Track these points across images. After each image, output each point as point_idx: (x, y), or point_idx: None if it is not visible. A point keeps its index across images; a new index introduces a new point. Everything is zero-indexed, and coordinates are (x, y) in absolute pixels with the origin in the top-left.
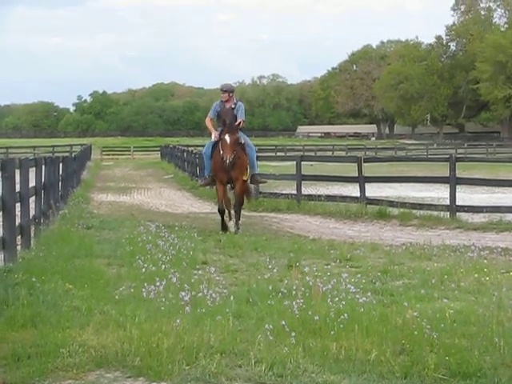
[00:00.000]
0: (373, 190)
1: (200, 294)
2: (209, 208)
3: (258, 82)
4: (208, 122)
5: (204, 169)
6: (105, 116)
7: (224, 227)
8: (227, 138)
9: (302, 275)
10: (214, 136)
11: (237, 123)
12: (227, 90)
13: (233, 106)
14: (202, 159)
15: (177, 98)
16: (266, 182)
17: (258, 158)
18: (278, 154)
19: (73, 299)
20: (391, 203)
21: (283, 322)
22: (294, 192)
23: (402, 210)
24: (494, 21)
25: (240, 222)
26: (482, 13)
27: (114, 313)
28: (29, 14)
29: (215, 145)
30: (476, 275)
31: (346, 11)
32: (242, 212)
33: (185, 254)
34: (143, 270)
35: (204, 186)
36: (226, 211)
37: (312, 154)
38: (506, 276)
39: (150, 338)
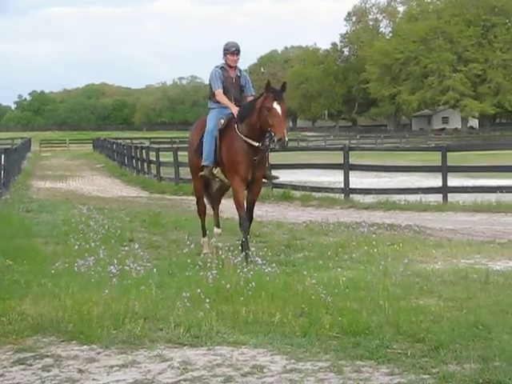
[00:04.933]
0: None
1: (126, 268)
2: (135, 193)
3: (179, 83)
4: (222, 96)
5: (204, 153)
6: (43, 113)
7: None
8: (277, 106)
9: (216, 250)
10: (236, 111)
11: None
12: (238, 50)
13: (238, 74)
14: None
15: (107, 97)
16: (278, 178)
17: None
18: None
19: (13, 274)
20: (294, 187)
21: (199, 291)
22: None
23: (303, 192)
24: (380, 30)
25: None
26: (371, 23)
27: (50, 285)
28: None
29: (230, 123)
30: (366, 247)
31: (256, 21)
32: (165, 196)
33: (113, 233)
34: (76, 247)
35: (207, 176)
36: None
37: None
38: (391, 248)
39: (82, 307)
